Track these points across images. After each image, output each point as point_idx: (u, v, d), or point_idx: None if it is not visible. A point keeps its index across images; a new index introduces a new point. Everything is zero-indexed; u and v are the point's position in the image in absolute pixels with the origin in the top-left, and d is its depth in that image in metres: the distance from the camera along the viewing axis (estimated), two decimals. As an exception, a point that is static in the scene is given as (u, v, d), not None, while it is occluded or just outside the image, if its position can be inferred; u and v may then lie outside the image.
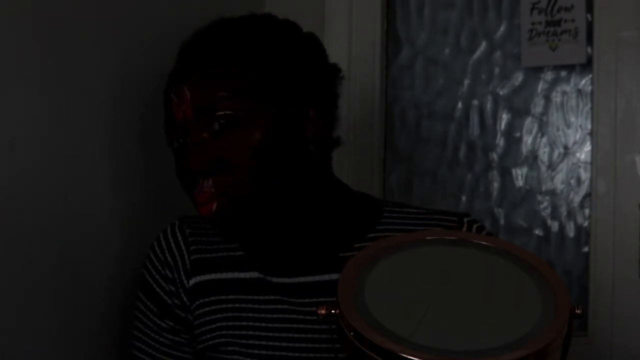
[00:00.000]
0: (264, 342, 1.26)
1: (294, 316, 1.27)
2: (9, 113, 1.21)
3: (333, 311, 0.99)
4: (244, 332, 1.27)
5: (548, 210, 1.85)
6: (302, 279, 1.28)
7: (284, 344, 1.26)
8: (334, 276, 1.19)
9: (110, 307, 1.39)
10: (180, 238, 1.32)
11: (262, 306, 1.27)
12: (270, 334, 1.26)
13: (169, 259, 1.32)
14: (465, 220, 1.33)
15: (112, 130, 1.40)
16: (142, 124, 1.45)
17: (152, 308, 1.32)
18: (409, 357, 0.92)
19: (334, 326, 1.00)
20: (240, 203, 1.22)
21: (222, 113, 1.22)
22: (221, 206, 1.23)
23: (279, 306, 1.27)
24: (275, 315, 1.27)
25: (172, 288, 1.31)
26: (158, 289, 1.32)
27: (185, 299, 1.30)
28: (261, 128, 1.23)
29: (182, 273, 1.31)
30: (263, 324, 1.27)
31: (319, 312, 1.00)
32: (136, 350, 1.34)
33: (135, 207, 1.45)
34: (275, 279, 1.28)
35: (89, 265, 1.35)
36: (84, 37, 1.35)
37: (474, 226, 1.32)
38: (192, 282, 1.30)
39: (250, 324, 1.27)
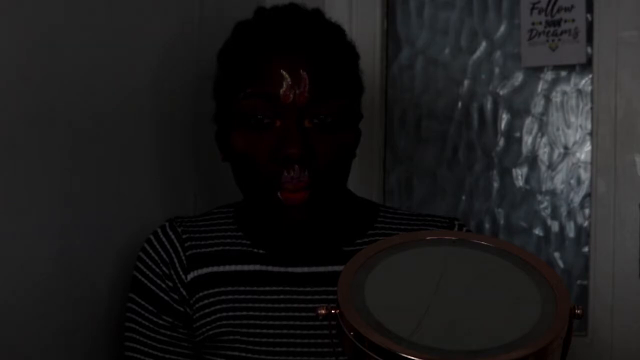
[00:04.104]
0: (265, 330, 1.28)
1: (295, 305, 1.29)
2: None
3: (333, 311, 0.99)
4: (244, 322, 1.28)
5: (548, 210, 1.84)
6: (306, 269, 1.30)
7: (285, 331, 1.28)
8: (337, 268, 1.24)
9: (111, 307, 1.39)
10: (173, 236, 1.34)
11: (263, 296, 1.29)
12: (272, 322, 1.28)
13: (164, 255, 1.33)
14: (456, 223, 1.37)
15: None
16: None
17: (148, 307, 1.32)
18: (409, 357, 0.92)
19: (334, 322, 1.00)
20: (316, 199, 1.26)
21: (327, 112, 1.26)
22: (309, 197, 1.25)
23: (281, 296, 1.29)
24: (276, 305, 1.29)
25: (170, 284, 1.32)
26: (153, 287, 1.32)
27: (184, 293, 1.31)
28: (347, 136, 1.29)
29: (178, 268, 1.32)
30: (263, 313, 1.28)
31: (319, 312, 1.00)
32: (131, 352, 1.33)
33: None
34: (277, 269, 1.30)
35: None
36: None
37: (464, 230, 1.36)
38: (190, 276, 1.31)
39: (251, 313, 1.28)
